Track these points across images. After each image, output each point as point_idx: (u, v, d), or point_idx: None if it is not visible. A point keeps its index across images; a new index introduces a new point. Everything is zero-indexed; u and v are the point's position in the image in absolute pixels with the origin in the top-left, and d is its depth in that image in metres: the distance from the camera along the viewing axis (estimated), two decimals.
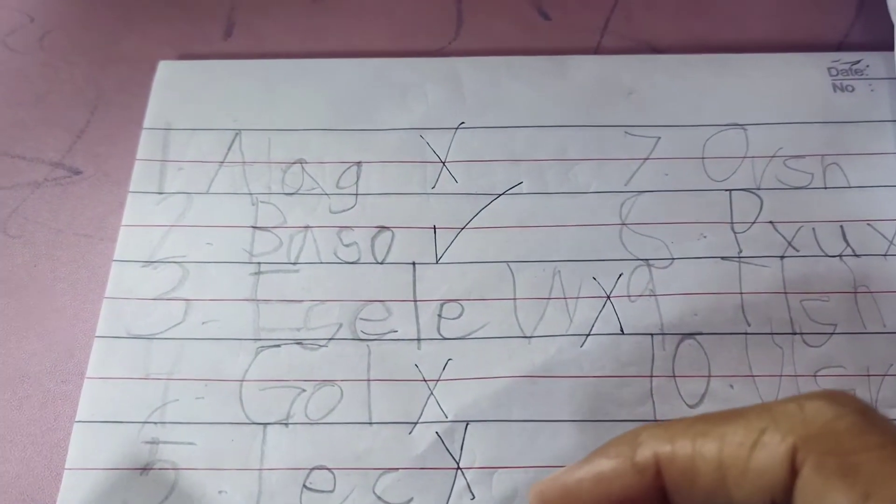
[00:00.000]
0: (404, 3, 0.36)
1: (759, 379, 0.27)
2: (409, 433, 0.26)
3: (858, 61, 0.34)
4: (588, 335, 0.28)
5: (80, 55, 0.35)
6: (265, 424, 0.26)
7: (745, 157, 0.32)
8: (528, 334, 0.28)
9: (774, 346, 0.28)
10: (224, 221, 0.30)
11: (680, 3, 0.36)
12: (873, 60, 0.34)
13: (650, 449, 0.17)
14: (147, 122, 0.32)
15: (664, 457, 0.17)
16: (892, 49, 0.33)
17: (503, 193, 0.31)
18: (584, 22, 0.36)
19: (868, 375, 0.27)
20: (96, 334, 0.27)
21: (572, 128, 0.32)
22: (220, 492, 0.25)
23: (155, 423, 0.26)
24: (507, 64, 0.34)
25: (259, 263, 0.29)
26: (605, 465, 0.17)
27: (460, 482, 0.25)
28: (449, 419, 0.26)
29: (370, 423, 0.26)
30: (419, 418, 0.26)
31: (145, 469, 0.25)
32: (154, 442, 0.26)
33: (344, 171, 0.31)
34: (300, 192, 0.31)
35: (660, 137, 0.32)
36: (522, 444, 0.26)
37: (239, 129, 0.32)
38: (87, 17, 0.36)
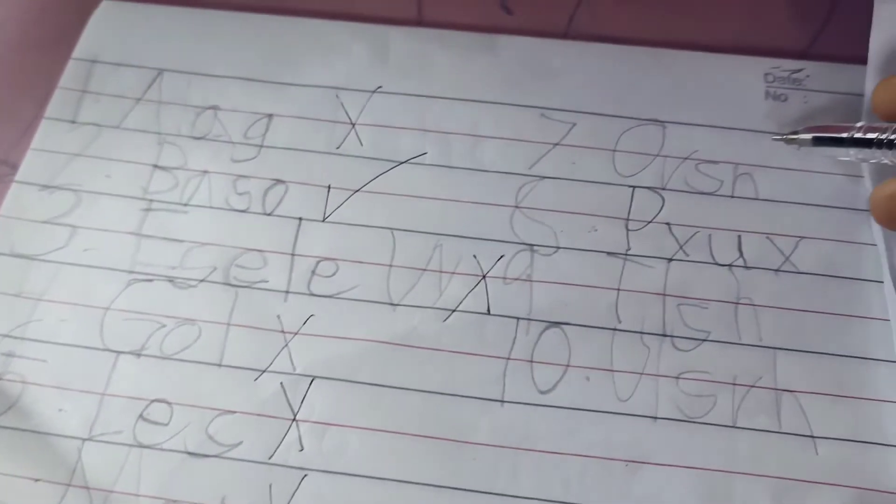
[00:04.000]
0: None
1: (618, 374, 0.27)
2: (255, 380, 0.27)
3: (800, 70, 0.33)
4: (454, 311, 0.28)
5: (31, 48, 0.33)
6: (118, 353, 0.27)
7: (657, 156, 0.31)
8: (395, 302, 0.28)
9: (642, 346, 0.28)
10: (127, 157, 0.31)
11: (652, 2, 0.35)
12: (818, 71, 0.32)
13: None
14: (76, 53, 0.33)
15: None
16: (863, 62, 0.31)
17: (405, 161, 0.31)
18: (547, 18, 0.35)
19: (734, 384, 0.27)
20: None
21: (489, 104, 0.32)
22: (59, 410, 0.26)
23: (15, 337, 0.27)
24: (439, 37, 0.33)
25: (151, 201, 0.30)
26: None
27: (293, 433, 0.26)
28: (297, 372, 0.27)
29: (219, 365, 0.27)
30: (268, 367, 0.27)
31: None
32: (9, 355, 0.27)
33: (254, 122, 0.32)
34: (207, 137, 0.31)
35: (575, 124, 0.32)
36: (362, 406, 0.26)
37: (162, 70, 0.32)
38: (40, 8, 0.34)
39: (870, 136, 0.27)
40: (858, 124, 0.27)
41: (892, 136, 0.26)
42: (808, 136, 0.28)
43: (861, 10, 0.31)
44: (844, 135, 0.27)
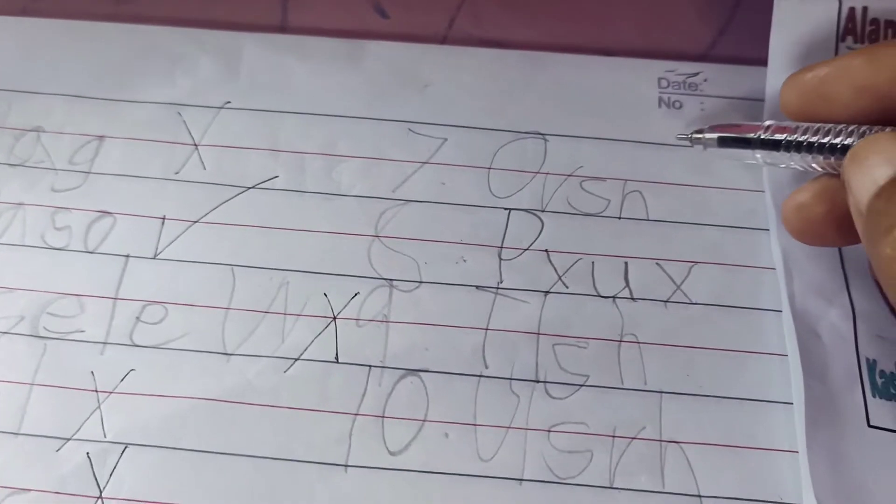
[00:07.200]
0: None
1: (481, 429, 0.24)
2: (57, 451, 0.23)
3: (696, 74, 0.29)
4: (297, 360, 0.25)
5: None
6: None
7: (538, 173, 0.28)
8: (230, 351, 0.25)
9: (510, 394, 0.24)
10: None
11: (540, 2, 0.32)
12: (716, 74, 0.29)
13: None
14: None
15: None
16: (765, 64, 0.27)
17: (252, 187, 0.27)
18: (426, 21, 0.31)
19: (613, 436, 0.24)
20: None
21: (350, 119, 0.28)
22: None
23: None
24: (300, 44, 0.30)
25: None
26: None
27: None
28: (107, 439, 0.23)
29: (17, 434, 0.23)
30: (74, 435, 0.23)
31: None
32: None
33: (83, 146, 0.28)
34: (27, 164, 0.27)
35: (446, 139, 0.28)
36: (183, 479, 0.23)
37: None
38: None
39: (777, 136, 0.23)
40: (766, 123, 0.23)
41: (801, 138, 0.22)
42: (714, 135, 0.24)
43: (767, 9, 0.28)
44: (751, 135, 0.23)
